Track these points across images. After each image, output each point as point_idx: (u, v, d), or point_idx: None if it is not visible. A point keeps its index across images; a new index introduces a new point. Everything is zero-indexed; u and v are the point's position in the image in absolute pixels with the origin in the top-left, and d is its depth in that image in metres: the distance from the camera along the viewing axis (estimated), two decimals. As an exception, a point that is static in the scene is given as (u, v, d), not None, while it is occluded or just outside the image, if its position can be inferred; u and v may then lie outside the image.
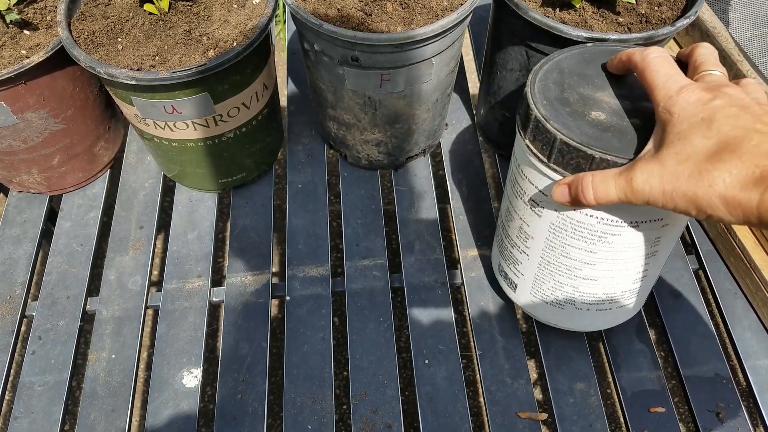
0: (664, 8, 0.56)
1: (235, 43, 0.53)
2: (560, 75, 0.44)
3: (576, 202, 0.40)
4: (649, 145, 0.38)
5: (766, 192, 0.31)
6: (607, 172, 0.39)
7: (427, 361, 0.57)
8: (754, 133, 0.33)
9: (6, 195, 0.71)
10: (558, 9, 0.57)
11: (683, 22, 0.53)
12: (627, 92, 0.42)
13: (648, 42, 0.51)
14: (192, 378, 0.57)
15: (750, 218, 0.32)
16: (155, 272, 0.66)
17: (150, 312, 0.63)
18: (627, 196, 0.37)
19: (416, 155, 0.71)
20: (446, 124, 0.75)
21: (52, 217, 0.70)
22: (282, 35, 1.35)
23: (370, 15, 0.54)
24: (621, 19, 0.56)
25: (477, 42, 0.85)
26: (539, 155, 0.41)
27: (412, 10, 0.54)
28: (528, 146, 0.42)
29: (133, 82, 0.50)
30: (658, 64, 0.39)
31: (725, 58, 0.64)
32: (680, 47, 0.71)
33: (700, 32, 0.67)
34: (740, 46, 0.64)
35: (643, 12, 0.56)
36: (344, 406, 0.90)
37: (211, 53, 0.52)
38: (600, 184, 0.39)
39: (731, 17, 0.68)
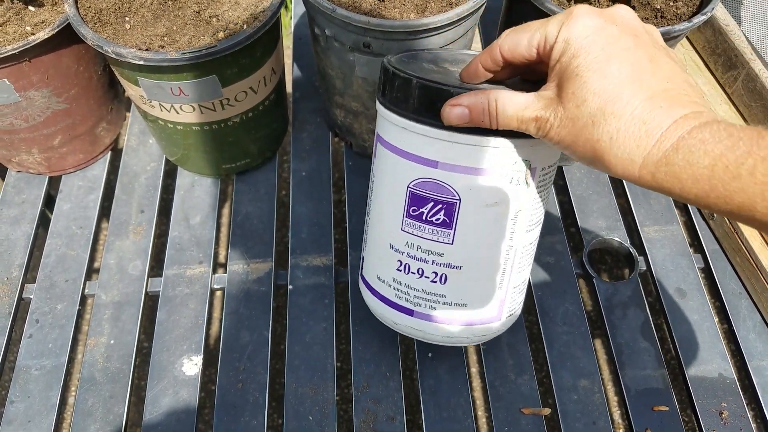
0: (679, 4, 0.56)
1: (245, 26, 0.52)
2: (409, 58, 0.46)
3: (476, 122, 0.38)
4: (552, 83, 0.35)
5: (646, 162, 0.31)
6: (518, 104, 0.36)
7: (430, 354, 0.57)
8: (644, 75, 0.33)
9: (4, 176, 0.70)
10: (573, 0, 0.56)
11: (700, 18, 0.52)
12: None
13: (664, 38, 0.51)
14: (192, 365, 0.56)
15: (637, 183, 0.32)
16: (156, 257, 0.65)
17: (150, 298, 0.62)
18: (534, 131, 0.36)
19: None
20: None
21: (50, 198, 0.69)
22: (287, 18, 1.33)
23: (383, 1, 0.53)
24: (636, 14, 0.55)
25: (486, 32, 0.83)
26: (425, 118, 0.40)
27: (427, -3, 0.53)
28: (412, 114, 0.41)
29: (141, 62, 0.49)
30: (513, 31, 0.37)
31: (737, 57, 0.63)
32: (692, 44, 0.70)
33: (712, 30, 0.67)
34: (753, 45, 0.63)
35: (658, 7, 0.55)
36: (345, 390, 0.88)
37: (221, 35, 0.51)
38: (511, 117, 0.36)
39: (743, 15, 0.68)
